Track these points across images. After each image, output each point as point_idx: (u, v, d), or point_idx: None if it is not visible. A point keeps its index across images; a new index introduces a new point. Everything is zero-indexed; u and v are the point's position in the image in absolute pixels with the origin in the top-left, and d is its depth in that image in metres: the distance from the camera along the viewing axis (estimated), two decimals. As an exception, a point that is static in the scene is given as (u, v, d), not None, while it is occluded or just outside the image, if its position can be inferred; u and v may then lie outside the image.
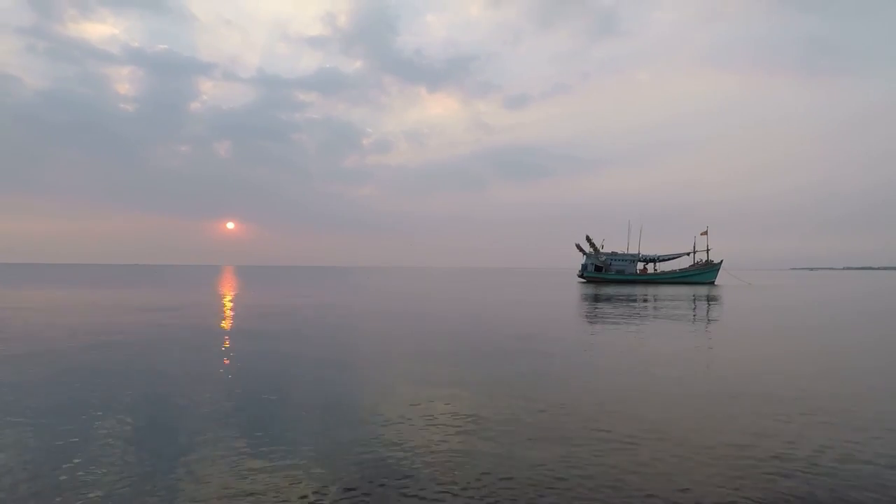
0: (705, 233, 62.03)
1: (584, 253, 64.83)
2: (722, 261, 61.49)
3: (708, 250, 62.10)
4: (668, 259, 63.89)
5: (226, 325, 16.23)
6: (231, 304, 24.61)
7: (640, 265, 64.03)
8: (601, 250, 64.30)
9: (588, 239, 64.57)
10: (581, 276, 64.42)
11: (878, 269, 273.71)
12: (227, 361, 9.81)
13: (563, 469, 4.63)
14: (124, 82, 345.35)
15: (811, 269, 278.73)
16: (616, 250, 64.65)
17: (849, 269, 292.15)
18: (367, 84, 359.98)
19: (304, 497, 4.05)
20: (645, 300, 29.30)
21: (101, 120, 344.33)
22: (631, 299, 29.93)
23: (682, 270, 62.86)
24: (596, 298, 30.78)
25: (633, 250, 64.72)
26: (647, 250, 64.80)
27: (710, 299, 31.05)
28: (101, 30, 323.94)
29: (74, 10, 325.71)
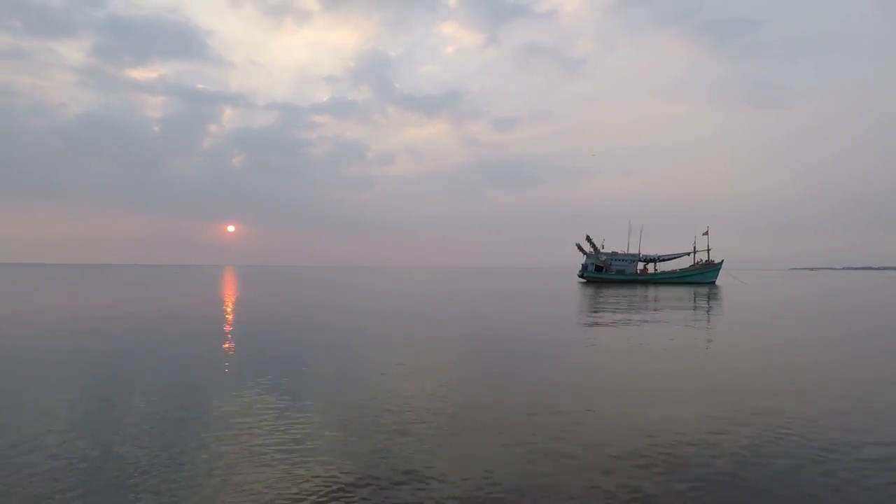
0: (706, 233, 62.09)
1: (585, 253, 64.67)
2: (723, 261, 61.45)
3: (708, 250, 62.08)
4: (668, 259, 63.85)
5: (245, 318, 16.40)
6: (253, 301, 24.84)
7: (640, 265, 64.00)
8: (601, 250, 64.23)
9: (588, 239, 64.47)
10: (581, 276, 64.18)
11: (878, 269, 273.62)
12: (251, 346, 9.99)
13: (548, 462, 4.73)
14: (156, 109, 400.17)
15: (811, 270, 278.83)
16: (616, 250, 64.56)
17: (849, 269, 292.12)
18: (372, 110, 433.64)
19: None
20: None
21: (130, 139, 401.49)
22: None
23: (682, 270, 62.81)
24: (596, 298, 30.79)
25: (632, 250, 64.67)
26: (635, 250, 64.75)
27: (709, 299, 31.14)
28: (148, 73, 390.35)
29: (132, 57, 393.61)
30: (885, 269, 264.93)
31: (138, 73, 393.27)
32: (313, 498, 4.00)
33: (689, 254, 62.47)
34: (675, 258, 63.58)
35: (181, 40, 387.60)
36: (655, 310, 22.75)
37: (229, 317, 18.82)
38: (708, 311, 23.14)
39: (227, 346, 11.97)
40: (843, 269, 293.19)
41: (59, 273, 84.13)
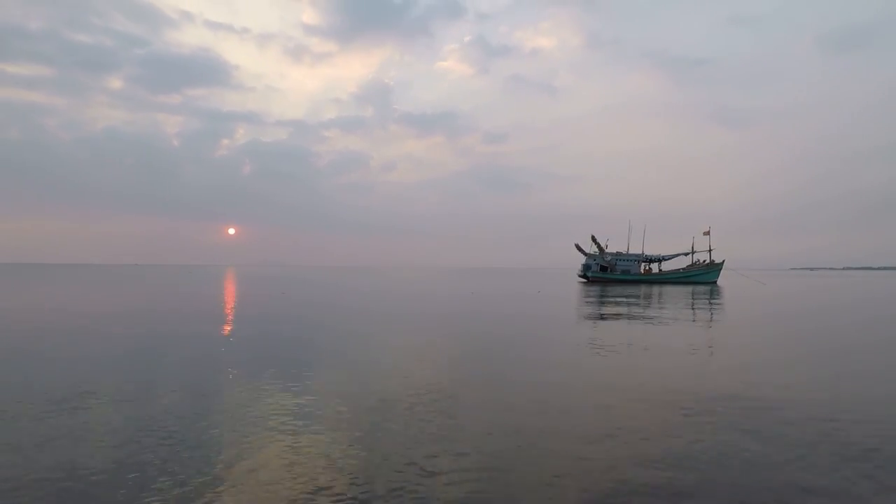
0: (707, 233, 63.06)
1: (585, 253, 65.36)
2: (724, 261, 62.52)
3: (710, 250, 63.07)
4: (671, 258, 64.81)
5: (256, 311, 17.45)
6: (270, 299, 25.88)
7: (643, 265, 64.91)
8: (605, 250, 65.10)
9: (593, 239, 65.27)
10: (583, 275, 64.41)
11: (878, 269, 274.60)
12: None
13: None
14: (176, 125, 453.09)
15: (811, 270, 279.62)
16: (620, 251, 65.49)
17: (848, 269, 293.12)
18: (376, 126, 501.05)
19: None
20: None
21: (149, 150, 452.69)
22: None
23: (685, 270, 63.80)
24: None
25: (633, 250, 65.58)
26: (634, 250, 65.80)
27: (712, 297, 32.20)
28: (176, 98, 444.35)
29: (164, 85, 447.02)
30: (884, 268, 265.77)
31: (166, 99, 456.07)
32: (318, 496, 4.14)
33: (688, 254, 63.58)
34: (677, 258, 64.66)
35: (210, 72, 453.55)
36: (661, 308, 23.76)
37: (240, 313, 19.83)
38: (711, 308, 24.19)
39: (237, 340, 13.02)
40: (843, 268, 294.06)
41: (82, 273, 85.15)
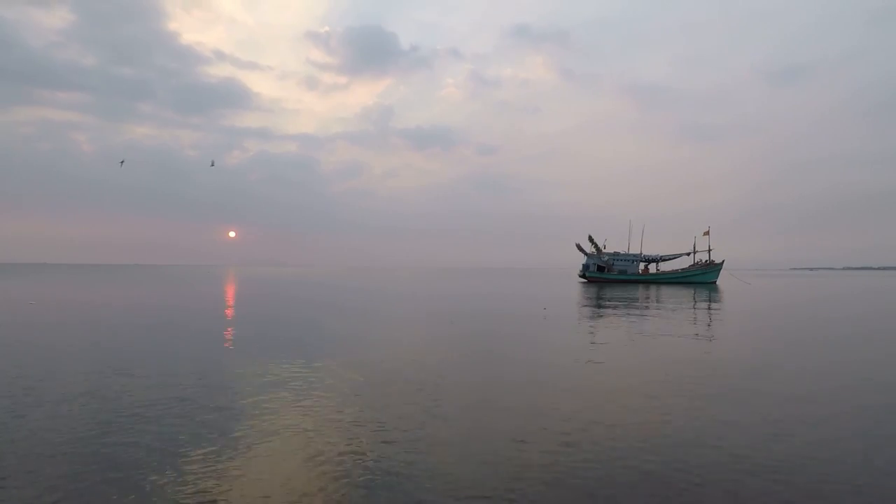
0: (707, 233, 62.68)
1: (586, 253, 65.17)
2: (723, 261, 62.14)
3: (710, 251, 62.69)
4: (670, 259, 64.45)
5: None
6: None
7: (641, 265, 64.60)
8: (603, 251, 64.84)
9: (590, 239, 65.05)
10: (583, 275, 64.53)
11: (878, 268, 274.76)
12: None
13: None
14: (192, 139, 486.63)
15: (811, 270, 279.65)
16: (619, 250, 65.19)
17: (848, 269, 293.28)
18: (377, 139, 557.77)
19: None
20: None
21: (167, 160, 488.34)
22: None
23: (683, 271, 63.40)
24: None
25: (631, 251, 65.27)
26: (634, 250, 65.54)
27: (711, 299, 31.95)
28: (200, 119, 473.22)
29: (190, 108, 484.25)
30: (884, 268, 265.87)
31: (190, 118, 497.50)
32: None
33: (689, 254, 63.20)
34: (676, 258, 64.25)
35: (233, 98, 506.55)
36: (658, 310, 23.52)
37: (256, 310, 19.70)
38: (708, 310, 23.96)
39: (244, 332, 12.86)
40: (843, 269, 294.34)
41: (93, 273, 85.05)
